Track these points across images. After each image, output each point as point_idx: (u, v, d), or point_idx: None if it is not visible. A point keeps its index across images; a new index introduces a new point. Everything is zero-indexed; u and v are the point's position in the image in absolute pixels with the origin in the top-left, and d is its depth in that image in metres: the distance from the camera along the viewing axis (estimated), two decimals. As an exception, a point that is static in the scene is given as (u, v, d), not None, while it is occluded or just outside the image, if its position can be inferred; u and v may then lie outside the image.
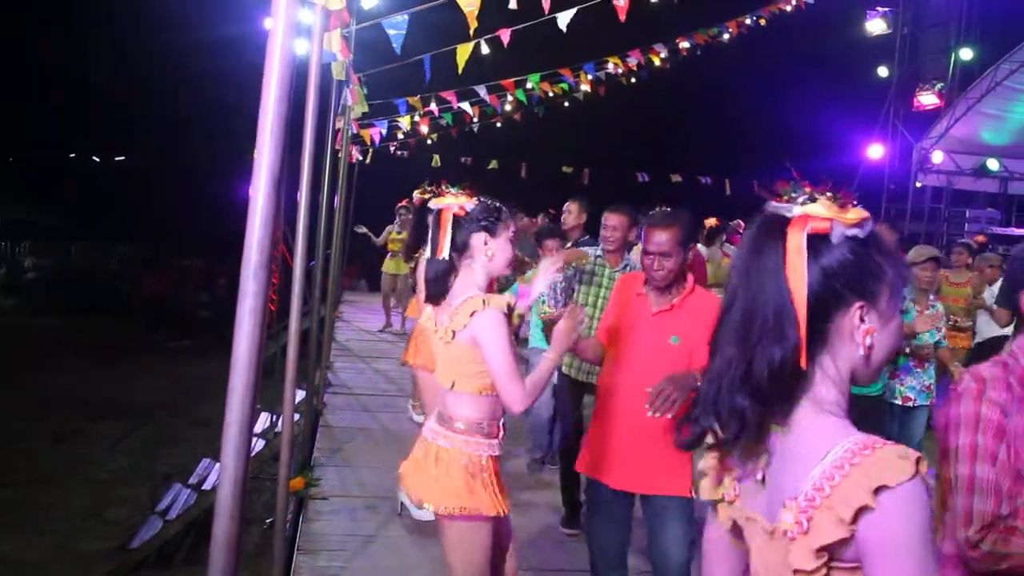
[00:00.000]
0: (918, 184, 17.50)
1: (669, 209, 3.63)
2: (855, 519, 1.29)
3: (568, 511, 5.40)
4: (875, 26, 18.38)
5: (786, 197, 1.46)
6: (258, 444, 8.69)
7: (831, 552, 1.33)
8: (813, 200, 1.43)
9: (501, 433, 3.14)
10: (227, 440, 1.73)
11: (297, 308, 3.87)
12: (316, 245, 6.76)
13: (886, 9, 18.25)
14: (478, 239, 3.10)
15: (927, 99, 18.16)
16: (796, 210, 1.44)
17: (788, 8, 13.73)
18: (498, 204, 3.12)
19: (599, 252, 5.33)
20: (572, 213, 6.64)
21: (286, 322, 4.18)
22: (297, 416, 7.26)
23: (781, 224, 1.44)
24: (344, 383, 9.14)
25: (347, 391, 8.80)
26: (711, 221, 10.23)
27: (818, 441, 1.38)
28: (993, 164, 17.30)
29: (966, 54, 17.56)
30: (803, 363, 1.39)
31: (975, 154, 17.26)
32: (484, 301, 2.98)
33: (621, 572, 3.69)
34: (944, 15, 17.99)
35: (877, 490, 1.28)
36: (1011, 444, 2.10)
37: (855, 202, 1.45)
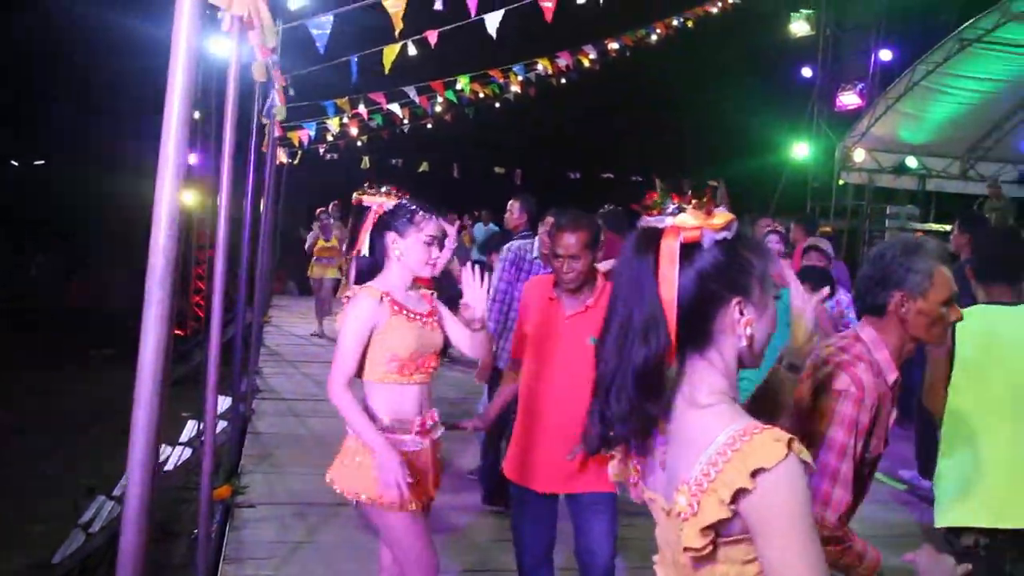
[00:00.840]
0: (841, 182, 17.91)
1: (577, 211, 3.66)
2: (734, 500, 1.42)
3: (487, 488, 5.56)
4: (799, 27, 18.78)
5: (656, 210, 1.57)
6: (185, 453, 8.51)
7: (716, 530, 1.47)
8: (682, 211, 1.55)
9: (425, 426, 3.19)
10: (133, 450, 1.68)
11: (218, 314, 3.79)
12: (241, 249, 6.63)
13: (809, 11, 18.67)
14: (389, 238, 3.17)
15: (849, 99, 18.63)
16: (667, 222, 1.56)
17: (714, 10, 13.97)
18: (413, 206, 3.16)
19: (536, 255, 5.37)
20: (514, 212, 6.71)
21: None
22: (224, 423, 7.14)
23: (654, 236, 1.55)
24: (273, 388, 9.01)
25: (276, 396, 8.67)
26: None
27: (705, 429, 1.51)
28: (912, 162, 17.81)
29: (885, 55, 18.05)
30: (672, 363, 1.53)
31: (895, 152, 17.75)
32: (360, 291, 3.12)
33: (547, 570, 3.70)
34: (864, 17, 18.48)
35: (755, 473, 1.41)
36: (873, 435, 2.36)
37: (719, 207, 1.57)
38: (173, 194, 1.61)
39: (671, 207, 1.56)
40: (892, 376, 2.38)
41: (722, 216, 1.56)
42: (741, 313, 1.56)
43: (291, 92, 7.59)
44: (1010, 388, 3.38)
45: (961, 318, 2.45)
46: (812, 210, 18.06)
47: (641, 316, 1.51)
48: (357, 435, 3.10)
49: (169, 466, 8.44)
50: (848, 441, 2.29)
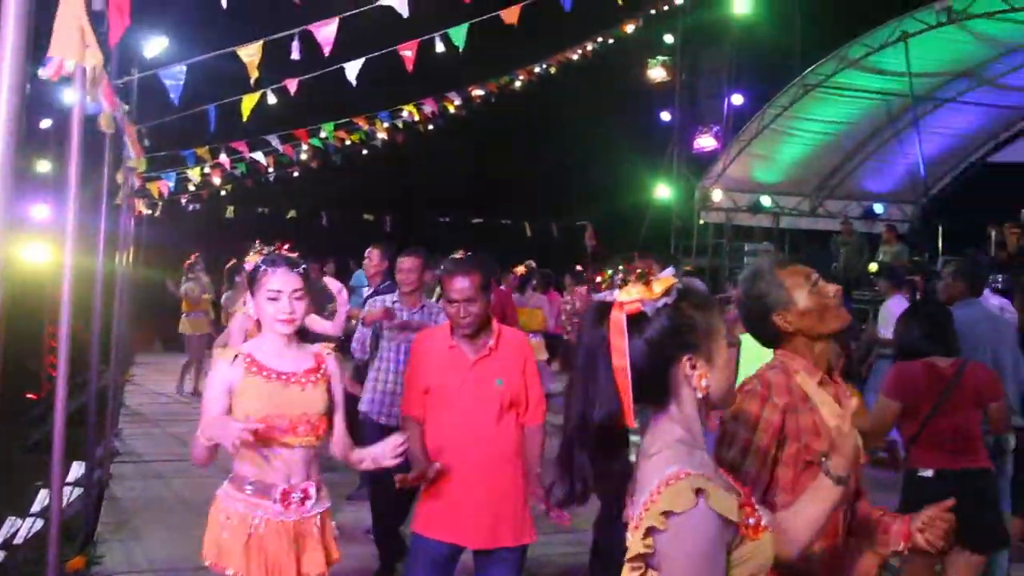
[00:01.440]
0: (701, 221, 18.63)
1: (468, 254, 3.63)
2: (647, 536, 1.59)
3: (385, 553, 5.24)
4: (656, 73, 19.59)
5: (605, 285, 1.74)
6: (36, 524, 7.98)
7: (646, 563, 1.62)
8: (625, 284, 1.71)
9: (290, 497, 2.96)
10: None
11: (63, 375, 3.59)
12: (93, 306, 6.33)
13: (665, 57, 19.49)
14: (247, 297, 3.08)
15: (705, 142, 19.50)
16: (616, 295, 1.71)
17: (575, 57, 14.40)
18: (259, 261, 3.03)
19: (395, 298, 5.34)
20: (373, 260, 6.63)
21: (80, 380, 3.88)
22: (80, 491, 6.75)
23: (605, 310, 1.71)
24: (134, 451, 8.59)
25: (137, 459, 8.28)
26: (519, 269, 10.40)
27: (649, 475, 1.66)
28: (766, 201, 18.69)
29: (737, 99, 19.02)
30: (630, 424, 1.66)
31: (750, 192, 18.59)
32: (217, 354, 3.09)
33: None
34: (716, 64, 19.43)
35: (666, 514, 1.57)
36: (797, 439, 2.34)
37: (663, 272, 1.76)
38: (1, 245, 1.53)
39: (619, 281, 1.71)
40: (815, 378, 2.40)
41: (662, 283, 1.71)
42: (693, 368, 1.71)
43: (146, 142, 7.35)
44: None
45: (836, 290, 2.49)
46: (676, 248, 18.70)
47: (596, 384, 1.67)
48: (214, 439, 2.89)
49: (19, 539, 7.89)
50: (750, 437, 2.30)
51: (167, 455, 8.42)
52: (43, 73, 6.34)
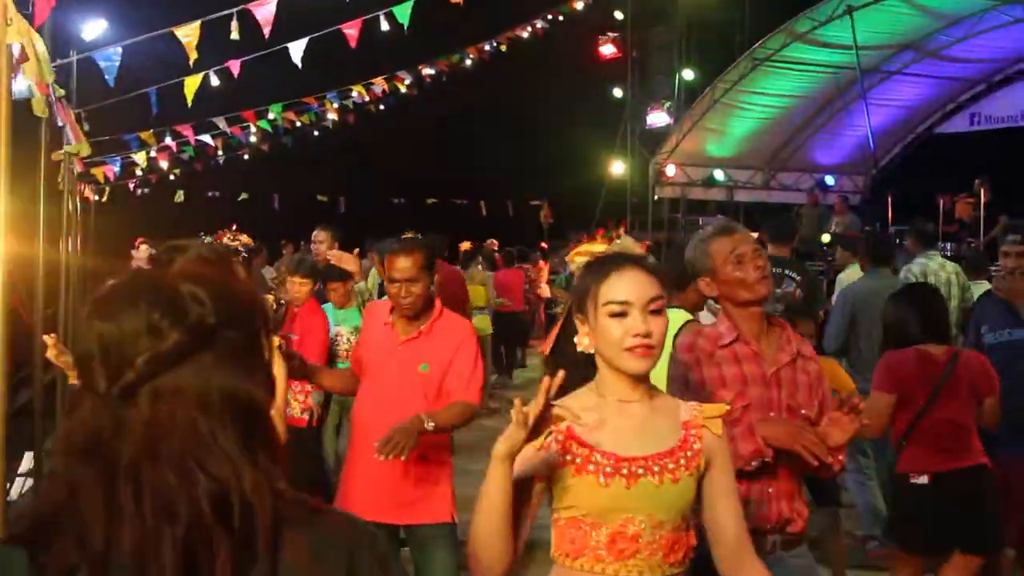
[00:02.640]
0: (656, 196, 18.72)
1: (414, 235, 3.63)
2: None
3: None
4: (607, 49, 19.57)
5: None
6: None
7: None
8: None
9: None
10: None
11: (1, 368, 3.52)
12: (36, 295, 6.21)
13: (615, 35, 19.48)
14: None
15: (658, 117, 19.53)
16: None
17: (525, 35, 14.34)
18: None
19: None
20: (324, 242, 6.31)
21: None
22: (31, 481, 6.65)
23: None
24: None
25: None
26: (465, 245, 10.42)
27: None
28: (719, 175, 18.82)
29: (688, 75, 19.08)
30: (543, 351, 2.34)
31: (704, 166, 18.71)
32: None
33: None
34: (667, 40, 19.46)
35: None
36: (702, 391, 2.58)
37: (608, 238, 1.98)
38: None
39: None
40: (729, 337, 2.66)
41: (587, 247, 2.01)
42: (580, 326, 2.01)
43: (86, 127, 7.20)
44: None
45: (759, 264, 2.67)
46: (631, 224, 18.78)
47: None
48: None
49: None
50: (683, 393, 2.44)
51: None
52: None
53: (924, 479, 3.69)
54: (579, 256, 2.08)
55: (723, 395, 2.56)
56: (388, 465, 3.26)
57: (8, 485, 7.97)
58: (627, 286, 1.91)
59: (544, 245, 15.09)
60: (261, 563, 1.02)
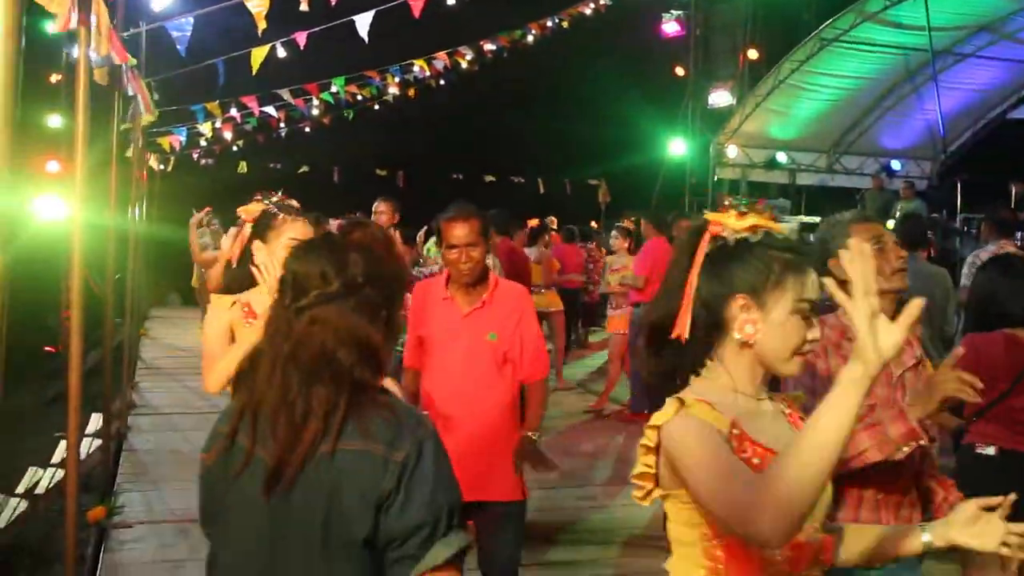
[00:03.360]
0: (716, 178, 18.48)
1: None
2: (645, 453, 1.68)
3: None
4: (670, 27, 19.30)
5: (730, 206, 1.77)
6: (58, 474, 8.12)
7: (648, 481, 1.70)
8: (739, 211, 1.75)
9: None
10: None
11: (77, 330, 3.63)
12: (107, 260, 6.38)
13: (679, 12, 19.20)
14: (254, 247, 3.01)
15: (720, 97, 19.25)
16: (707, 216, 1.77)
17: (588, 11, 14.22)
18: (274, 210, 3.02)
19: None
20: (384, 213, 6.51)
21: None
22: (98, 442, 6.86)
23: (704, 228, 1.76)
24: (151, 403, 8.70)
25: (154, 411, 8.38)
26: (533, 222, 10.31)
27: None
28: (782, 157, 18.51)
29: (753, 54, 18.73)
30: (680, 332, 1.72)
31: (766, 148, 18.42)
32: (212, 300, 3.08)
33: None
34: (731, 18, 19.13)
35: (653, 428, 1.66)
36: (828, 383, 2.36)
37: (768, 211, 1.76)
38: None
39: (742, 208, 1.75)
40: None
41: (752, 219, 1.72)
42: (742, 309, 1.69)
43: (156, 96, 7.33)
44: None
45: (899, 256, 2.57)
46: (689, 205, 18.59)
47: (670, 290, 1.76)
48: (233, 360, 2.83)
49: (40, 489, 8.04)
50: (810, 384, 2.35)
51: (183, 408, 8.52)
52: (51, 27, 6.32)
53: (991, 450, 3.61)
54: (739, 224, 1.76)
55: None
56: (462, 442, 3.24)
57: (41, 473, 8.24)
58: (816, 286, 1.73)
59: (595, 224, 14.98)
60: (356, 421, 1.60)
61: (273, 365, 1.64)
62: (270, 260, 2.79)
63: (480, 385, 3.35)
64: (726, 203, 1.77)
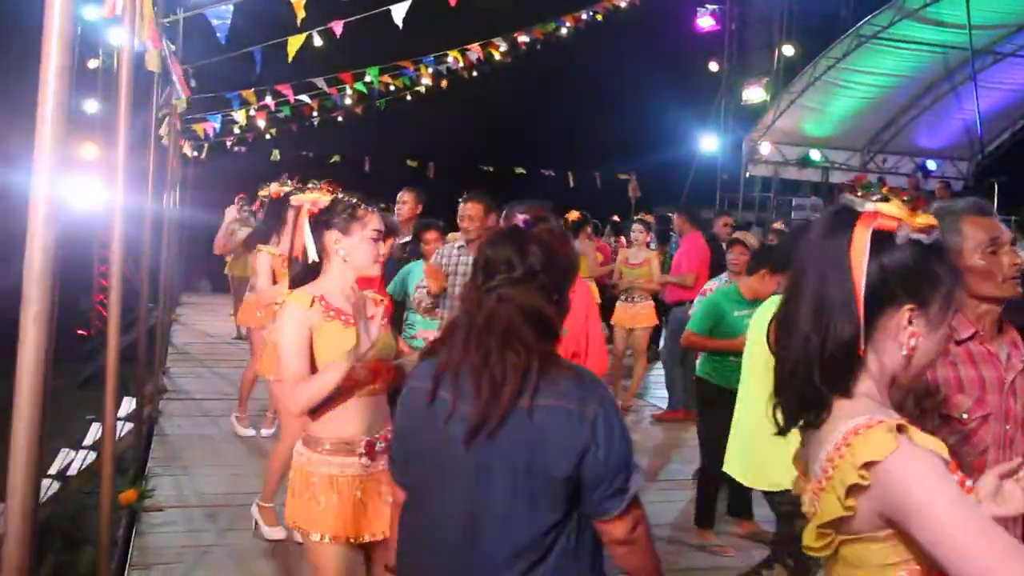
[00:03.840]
0: (748, 174, 18.36)
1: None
2: (848, 496, 1.39)
3: None
4: (704, 22, 19.16)
5: (861, 192, 1.52)
6: (89, 457, 8.21)
7: (836, 528, 1.44)
8: (886, 200, 1.50)
9: (374, 447, 2.88)
10: (15, 457, 1.60)
11: (115, 313, 3.66)
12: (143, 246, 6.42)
13: (714, 7, 19.05)
14: (330, 238, 2.92)
15: (754, 93, 19.10)
16: (868, 206, 1.50)
17: (622, 4, 14.12)
18: (353, 200, 2.94)
19: (462, 243, 5.17)
20: (408, 203, 6.57)
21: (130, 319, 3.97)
22: (130, 426, 6.92)
23: (851, 217, 1.50)
24: (182, 389, 8.76)
25: (185, 397, 8.44)
26: (574, 215, 10.20)
27: (833, 426, 1.47)
28: (815, 155, 18.36)
29: (788, 50, 18.56)
30: (860, 350, 1.47)
31: (799, 145, 18.27)
32: (287, 298, 2.87)
33: None
34: (767, 13, 18.96)
35: (866, 466, 1.36)
36: (937, 392, 2.27)
37: (925, 208, 1.51)
38: (50, 187, 1.54)
39: (877, 195, 1.51)
40: (965, 333, 2.32)
41: (925, 218, 1.49)
42: (910, 322, 1.49)
43: (193, 83, 7.37)
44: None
45: (1014, 261, 2.35)
46: (721, 202, 18.46)
47: (837, 294, 1.47)
48: (333, 383, 2.73)
49: (72, 471, 8.14)
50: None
51: (214, 394, 8.58)
52: (96, 13, 6.36)
53: None
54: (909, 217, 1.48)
55: (960, 401, 2.25)
56: None
57: (72, 455, 8.33)
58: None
59: (617, 219, 14.85)
60: (548, 382, 1.91)
61: (469, 334, 1.96)
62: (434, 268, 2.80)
63: None
64: (858, 190, 1.53)
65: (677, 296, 8.14)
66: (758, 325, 4.04)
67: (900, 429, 1.39)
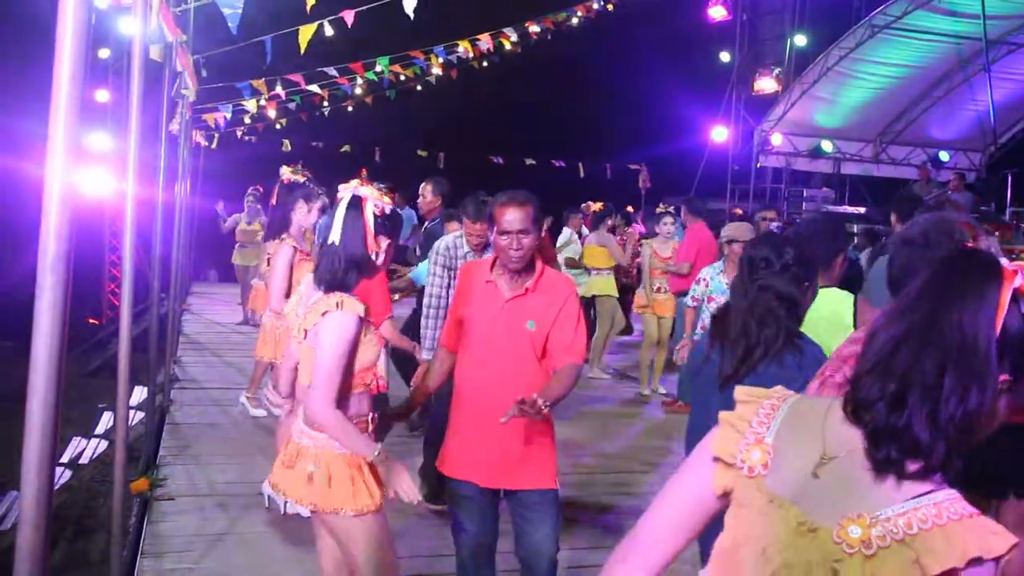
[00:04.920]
0: (759, 165, 18.29)
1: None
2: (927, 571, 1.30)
3: (430, 486, 5.16)
4: (716, 12, 19.05)
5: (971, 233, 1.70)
6: (101, 445, 8.27)
7: None
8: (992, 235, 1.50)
9: (370, 428, 3.04)
10: (29, 443, 1.60)
11: (128, 301, 3.66)
12: (155, 235, 6.44)
13: (726, -4, 18.96)
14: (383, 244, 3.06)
15: (765, 84, 19.00)
16: (1007, 264, 1.39)
17: (634, -6, 14.08)
18: (396, 210, 3.08)
19: (467, 250, 5.08)
20: (427, 195, 6.58)
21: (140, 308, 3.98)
22: (140, 414, 6.95)
23: (996, 273, 1.38)
24: (193, 378, 8.79)
25: (196, 386, 8.47)
26: (596, 205, 10.21)
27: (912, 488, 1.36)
28: (827, 146, 18.27)
29: (800, 40, 18.45)
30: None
31: (811, 136, 18.18)
32: (339, 303, 2.87)
33: (490, 570, 3.57)
34: (779, 3, 18.84)
35: (972, 561, 1.28)
36: None
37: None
38: (64, 173, 1.53)
39: (986, 240, 1.44)
40: None
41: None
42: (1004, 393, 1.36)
43: (204, 73, 7.37)
44: None
45: None
46: (731, 193, 18.40)
47: (980, 347, 1.33)
48: (352, 451, 2.92)
49: (84, 459, 8.19)
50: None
51: (224, 383, 8.60)
52: (106, 1, 6.36)
53: None
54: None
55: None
56: (494, 429, 3.19)
57: (84, 443, 8.38)
58: None
59: (630, 209, 14.81)
60: (787, 351, 2.79)
61: (737, 314, 2.82)
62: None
63: (512, 372, 3.28)
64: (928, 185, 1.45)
65: (679, 286, 8.25)
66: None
67: (1012, 544, 1.31)
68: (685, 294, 7.67)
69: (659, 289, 8.74)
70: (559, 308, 3.37)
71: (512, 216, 3.27)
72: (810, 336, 2.90)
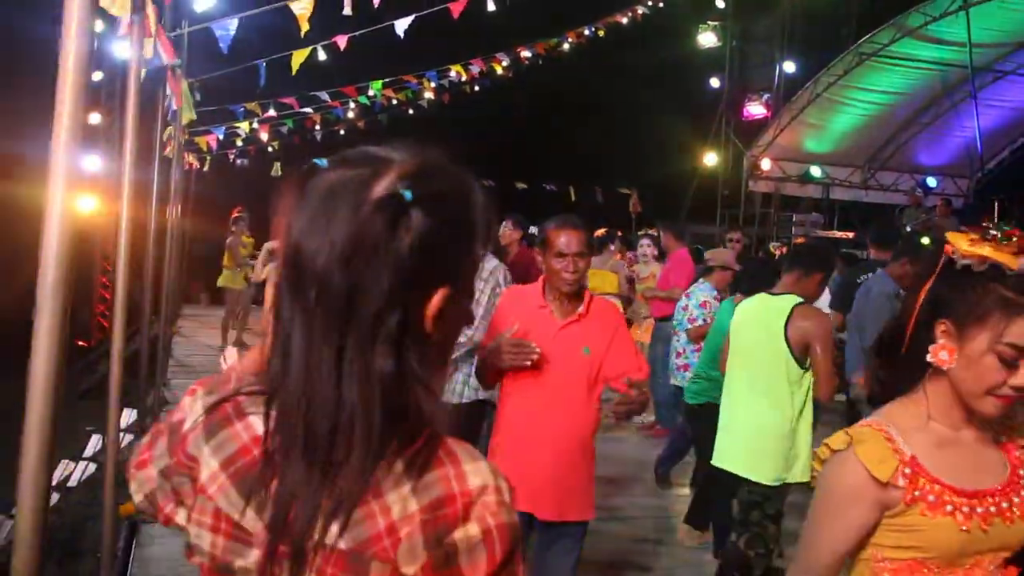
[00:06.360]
0: (749, 190, 18.40)
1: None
2: (816, 459, 1.79)
3: None
4: (706, 38, 19.24)
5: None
6: (90, 468, 8.20)
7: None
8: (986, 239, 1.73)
9: None
10: (25, 465, 1.61)
11: (120, 325, 3.66)
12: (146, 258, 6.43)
13: (715, 23, 19.13)
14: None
15: (755, 109, 19.16)
16: (947, 235, 1.75)
17: (624, 20, 14.20)
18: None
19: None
20: (507, 229, 6.95)
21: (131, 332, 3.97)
22: (130, 437, 6.91)
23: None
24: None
25: (185, 409, 8.42)
26: (600, 231, 10.03)
27: None
28: (816, 171, 18.40)
29: (789, 67, 18.63)
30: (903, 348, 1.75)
31: (800, 162, 18.31)
32: None
33: None
34: (769, 30, 19.04)
35: (828, 447, 1.73)
36: None
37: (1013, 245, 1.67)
38: (65, 198, 1.55)
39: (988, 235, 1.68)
40: None
41: (985, 249, 1.63)
42: (942, 336, 1.65)
43: (197, 96, 7.40)
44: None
45: None
46: (721, 218, 18.49)
47: (906, 306, 1.75)
48: None
49: (73, 482, 8.12)
50: None
51: (213, 406, 8.55)
52: (99, 26, 6.39)
53: None
54: (972, 247, 1.63)
55: None
56: (547, 457, 3.21)
57: (72, 466, 8.30)
58: None
59: (620, 233, 14.85)
60: None
61: None
62: None
63: (567, 400, 3.25)
64: (983, 225, 1.68)
65: (663, 311, 8.10)
66: (750, 321, 4.27)
67: (849, 437, 1.66)
68: (667, 319, 7.62)
69: (640, 314, 8.59)
70: (612, 332, 3.38)
71: (568, 239, 3.28)
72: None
